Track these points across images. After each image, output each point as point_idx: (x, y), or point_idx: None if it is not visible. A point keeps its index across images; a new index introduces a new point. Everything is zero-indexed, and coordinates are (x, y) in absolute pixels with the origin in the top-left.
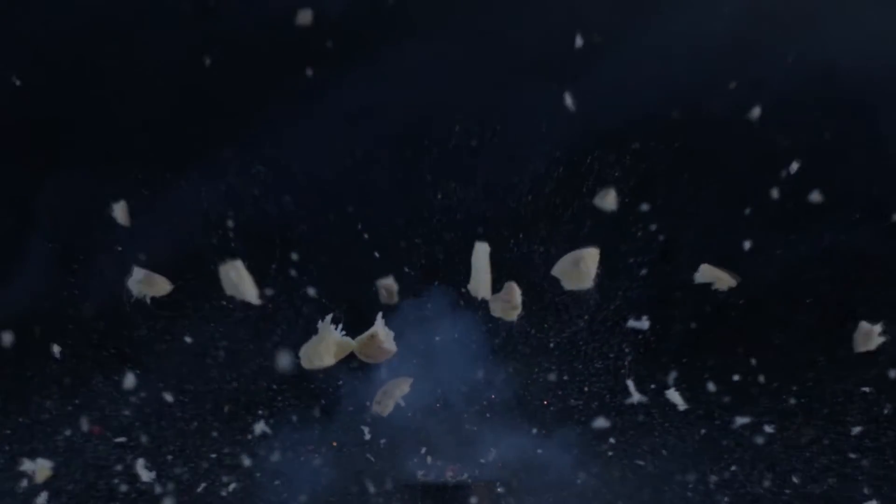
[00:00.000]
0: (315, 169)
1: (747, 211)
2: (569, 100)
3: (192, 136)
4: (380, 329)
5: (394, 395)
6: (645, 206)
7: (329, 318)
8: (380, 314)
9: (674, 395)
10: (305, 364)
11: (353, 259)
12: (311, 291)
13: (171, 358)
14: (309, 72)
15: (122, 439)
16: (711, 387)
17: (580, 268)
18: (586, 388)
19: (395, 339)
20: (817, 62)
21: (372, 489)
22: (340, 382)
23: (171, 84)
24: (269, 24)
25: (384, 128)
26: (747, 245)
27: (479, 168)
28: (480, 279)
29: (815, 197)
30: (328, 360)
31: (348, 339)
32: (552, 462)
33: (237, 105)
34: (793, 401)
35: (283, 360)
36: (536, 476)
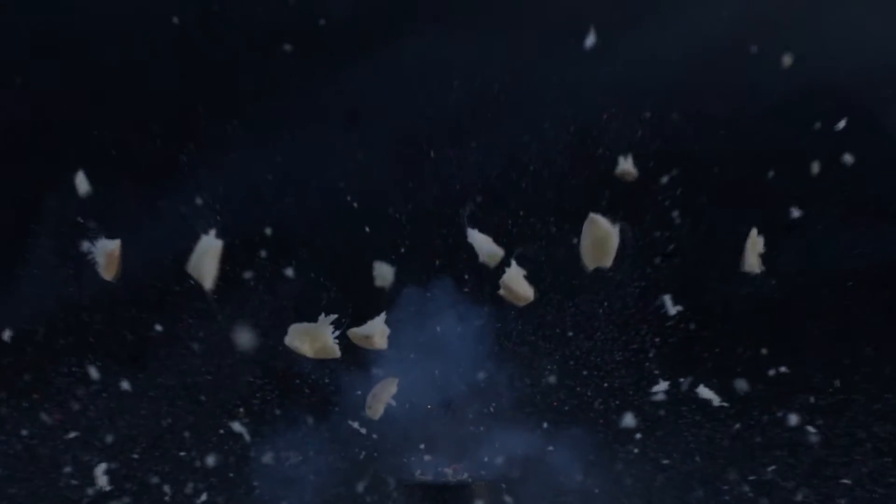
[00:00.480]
0: (308, 153)
1: (786, 185)
2: (591, 39)
3: (189, 132)
4: (377, 332)
5: (382, 398)
6: (665, 179)
7: (332, 317)
8: (383, 315)
9: (706, 391)
10: (287, 339)
11: (347, 241)
12: (301, 280)
13: (139, 348)
14: (287, 47)
15: (85, 438)
16: (748, 381)
17: (598, 227)
18: (605, 384)
19: (396, 331)
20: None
21: (368, 490)
22: (327, 380)
23: (168, 82)
24: (269, 21)
25: (383, 97)
26: (793, 214)
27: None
28: (487, 256)
29: (848, 159)
30: (307, 351)
31: (336, 347)
32: (565, 463)
33: (236, 103)
34: (840, 396)
35: (242, 338)
36: (548, 477)
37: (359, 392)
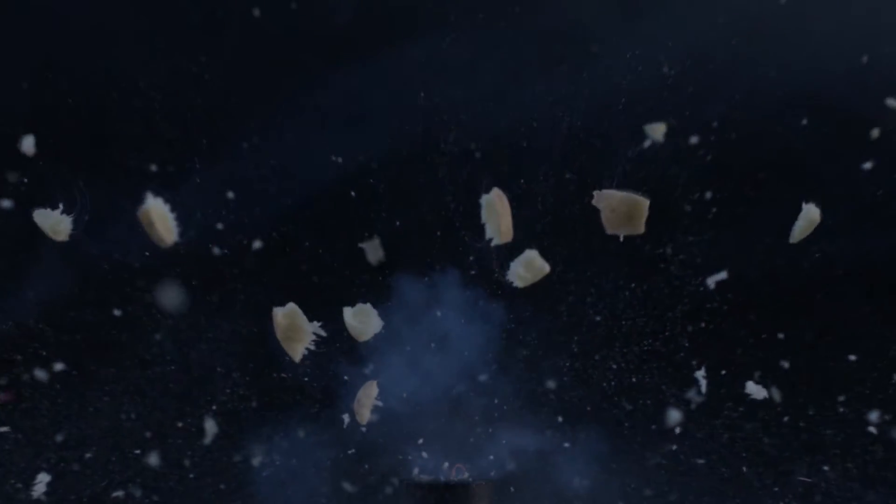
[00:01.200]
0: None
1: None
2: None
3: (188, 133)
4: (369, 329)
5: (366, 403)
6: (695, 139)
7: (321, 333)
8: (376, 315)
9: (754, 387)
10: (277, 309)
11: (340, 219)
12: (290, 263)
13: (95, 337)
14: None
15: (33, 437)
16: (799, 370)
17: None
18: (633, 379)
19: (395, 320)
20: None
21: (363, 491)
22: (314, 371)
23: (170, 86)
24: (270, 25)
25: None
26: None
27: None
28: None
29: None
30: (279, 329)
31: (299, 353)
32: (582, 466)
33: (236, 106)
34: None
35: (167, 297)
36: (562, 481)
37: (346, 378)
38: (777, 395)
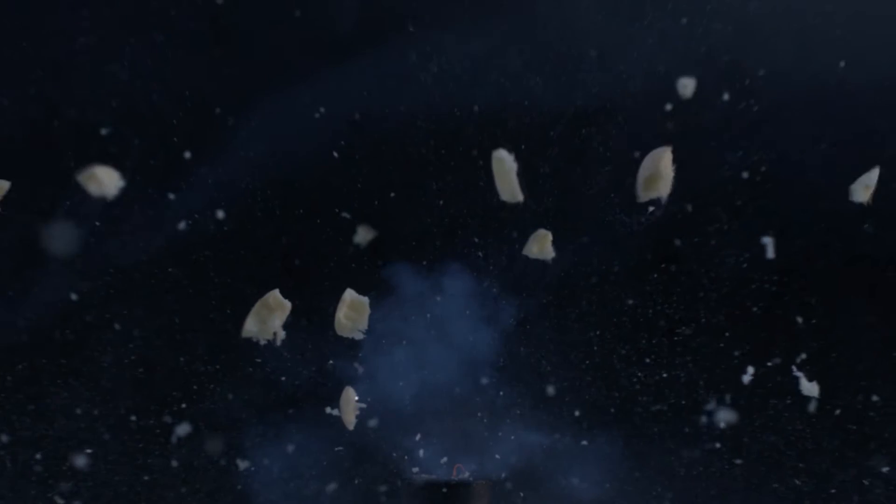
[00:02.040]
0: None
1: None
2: None
3: (186, 131)
4: (353, 333)
5: (349, 409)
6: (726, 96)
7: (280, 337)
8: (367, 314)
9: (808, 385)
10: (271, 292)
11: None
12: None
13: (48, 327)
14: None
15: None
16: (864, 363)
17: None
18: (664, 374)
19: (397, 313)
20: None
21: (359, 490)
22: (290, 374)
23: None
24: (269, 24)
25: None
26: None
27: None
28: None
29: None
30: (259, 304)
31: (248, 332)
32: (599, 468)
33: (235, 106)
34: None
35: (57, 240)
36: (577, 483)
37: (332, 364)
38: (829, 390)
